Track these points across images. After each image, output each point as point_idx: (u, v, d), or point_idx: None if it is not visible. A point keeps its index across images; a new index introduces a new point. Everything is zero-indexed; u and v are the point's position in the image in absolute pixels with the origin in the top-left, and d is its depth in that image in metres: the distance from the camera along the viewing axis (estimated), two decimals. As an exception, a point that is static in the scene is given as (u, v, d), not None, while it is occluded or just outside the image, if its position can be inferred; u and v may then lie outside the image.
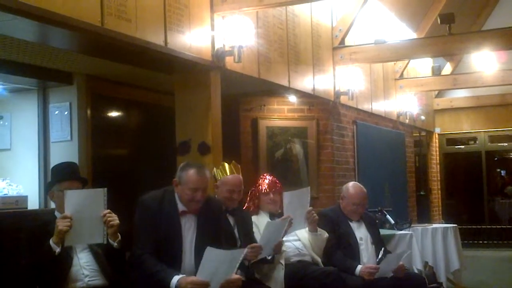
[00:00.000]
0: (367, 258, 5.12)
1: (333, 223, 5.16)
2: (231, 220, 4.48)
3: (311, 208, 4.73)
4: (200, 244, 3.83)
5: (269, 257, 4.44)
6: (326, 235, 5.00)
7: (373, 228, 5.38)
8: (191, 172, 3.89)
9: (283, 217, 4.45)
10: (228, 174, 4.53)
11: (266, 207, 4.91)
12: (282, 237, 4.50)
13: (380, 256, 5.05)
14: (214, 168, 4.68)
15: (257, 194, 4.96)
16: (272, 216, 4.83)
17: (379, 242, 5.36)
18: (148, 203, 3.88)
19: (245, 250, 3.97)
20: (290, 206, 4.53)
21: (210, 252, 3.57)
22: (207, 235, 3.92)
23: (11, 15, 3.60)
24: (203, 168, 3.98)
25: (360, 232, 5.23)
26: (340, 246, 5.09)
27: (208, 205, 4.02)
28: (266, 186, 4.96)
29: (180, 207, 3.92)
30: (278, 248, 4.45)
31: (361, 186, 5.39)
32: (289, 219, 4.42)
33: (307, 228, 4.90)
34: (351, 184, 5.41)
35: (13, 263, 3.76)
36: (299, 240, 4.96)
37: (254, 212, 4.90)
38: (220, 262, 3.60)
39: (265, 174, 5.22)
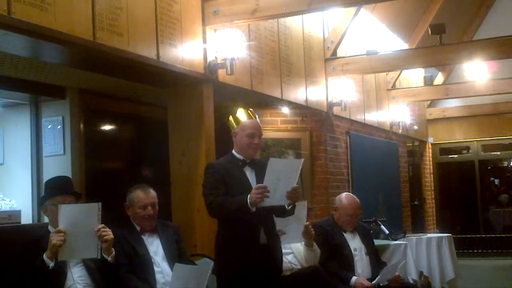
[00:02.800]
0: (361, 269, 5.12)
1: (327, 234, 5.17)
2: (250, 174, 4.12)
3: (308, 223, 4.66)
4: (170, 254, 4.22)
5: (289, 207, 3.95)
6: (319, 250, 4.99)
7: (367, 239, 5.39)
8: (137, 192, 4.32)
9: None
10: (246, 119, 4.20)
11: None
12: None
13: (376, 280, 5.02)
14: (228, 118, 4.29)
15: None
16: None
17: (374, 252, 5.37)
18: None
19: (211, 265, 4.02)
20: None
21: (179, 268, 3.89)
22: (173, 248, 4.30)
23: (3, 31, 3.60)
24: (147, 187, 4.38)
25: (355, 243, 5.23)
26: (334, 257, 5.09)
27: (165, 226, 4.43)
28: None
29: (138, 227, 4.29)
30: (294, 194, 3.88)
31: (354, 196, 5.39)
32: (302, 161, 3.98)
33: (303, 242, 4.87)
34: (344, 195, 5.41)
35: (7, 278, 3.74)
36: (292, 253, 4.94)
37: None
38: (189, 277, 3.85)
39: None
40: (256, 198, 3.72)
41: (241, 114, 4.20)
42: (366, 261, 5.19)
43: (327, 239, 5.13)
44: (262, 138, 4.22)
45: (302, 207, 4.60)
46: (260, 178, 3.91)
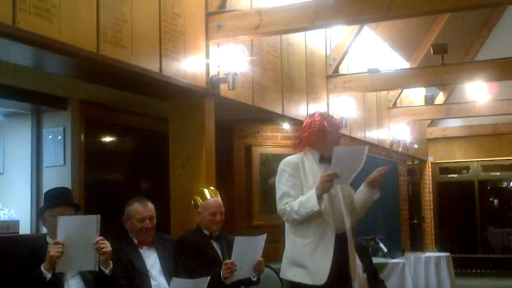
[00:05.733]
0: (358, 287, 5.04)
1: None
2: (216, 246, 4.59)
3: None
4: (167, 268, 4.23)
5: (254, 278, 4.41)
6: None
7: (365, 257, 5.34)
8: (135, 205, 4.33)
9: (328, 173, 3.81)
10: (208, 198, 4.71)
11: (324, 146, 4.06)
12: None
13: None
14: (194, 196, 4.81)
15: (315, 129, 4.07)
16: (323, 159, 4.06)
17: (372, 270, 5.32)
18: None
19: (208, 279, 4.01)
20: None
21: (176, 282, 3.93)
22: (170, 262, 4.31)
23: (7, 40, 3.61)
24: (145, 200, 4.40)
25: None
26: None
27: (162, 239, 4.46)
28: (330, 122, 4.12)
29: (135, 240, 4.31)
30: (259, 267, 4.35)
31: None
32: (265, 237, 4.31)
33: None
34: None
35: (4, 289, 3.73)
36: None
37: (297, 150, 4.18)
38: None
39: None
40: (225, 274, 4.17)
41: (205, 193, 4.76)
42: (362, 278, 5.07)
43: None
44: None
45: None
46: (225, 252, 4.45)
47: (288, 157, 4.10)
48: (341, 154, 3.84)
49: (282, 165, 4.09)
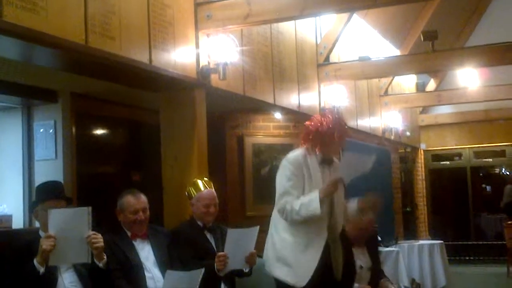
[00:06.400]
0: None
1: None
2: (210, 237, 4.59)
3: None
4: (161, 260, 4.22)
5: (246, 270, 4.42)
6: None
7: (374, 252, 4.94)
8: (128, 197, 4.30)
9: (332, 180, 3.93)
10: (202, 189, 4.68)
11: (327, 150, 4.13)
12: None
13: None
14: (188, 187, 4.79)
15: (319, 132, 4.11)
16: (323, 162, 4.13)
17: (378, 265, 4.94)
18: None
19: (202, 271, 4.00)
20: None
21: (171, 275, 3.92)
22: (164, 254, 4.31)
23: (-5, 34, 3.59)
24: (138, 192, 4.37)
25: (361, 260, 4.71)
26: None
27: (156, 231, 4.44)
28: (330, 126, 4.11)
29: (129, 233, 4.27)
30: (251, 259, 4.36)
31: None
32: (258, 228, 4.30)
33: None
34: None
35: (-4, 283, 3.72)
36: None
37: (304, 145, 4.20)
38: (181, 283, 3.87)
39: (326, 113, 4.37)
40: (219, 266, 4.18)
41: (199, 184, 4.71)
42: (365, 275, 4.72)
43: None
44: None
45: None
46: (219, 243, 4.45)
47: (293, 154, 4.14)
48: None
49: (286, 161, 4.13)
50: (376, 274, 4.88)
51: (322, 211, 3.85)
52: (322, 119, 4.14)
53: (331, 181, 3.92)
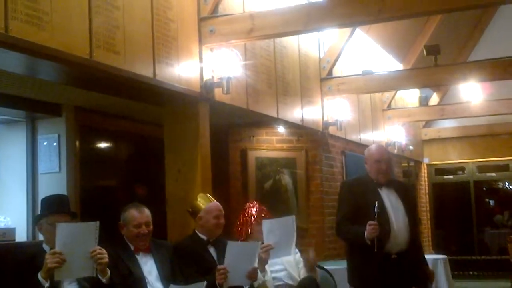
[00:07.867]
0: (397, 227, 4.63)
1: (354, 194, 4.75)
2: (212, 251, 4.58)
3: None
4: (164, 274, 4.19)
5: (246, 286, 4.36)
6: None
7: (406, 197, 4.90)
8: (131, 211, 4.29)
9: (263, 245, 4.41)
10: (211, 201, 4.74)
11: (255, 236, 4.77)
12: (264, 263, 4.43)
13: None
14: (193, 202, 4.82)
15: (248, 222, 4.94)
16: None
17: (412, 213, 4.84)
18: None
19: (204, 284, 4.03)
20: (271, 234, 4.44)
21: None
22: (167, 268, 4.28)
23: (0, 48, 3.61)
24: (141, 205, 4.36)
25: (390, 200, 4.73)
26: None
27: (159, 245, 4.42)
28: (255, 216, 4.93)
29: (132, 246, 4.26)
30: (252, 275, 4.27)
31: (382, 145, 5.32)
32: (259, 244, 4.37)
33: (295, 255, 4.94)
34: (371, 146, 5.18)
35: (0, 297, 3.72)
36: (285, 270, 4.88)
37: (244, 240, 4.87)
38: None
39: (253, 202, 5.22)
40: (219, 280, 4.14)
41: (207, 196, 4.83)
42: (402, 219, 4.70)
43: (355, 199, 4.71)
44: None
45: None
46: (221, 257, 4.35)
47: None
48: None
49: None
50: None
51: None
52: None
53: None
